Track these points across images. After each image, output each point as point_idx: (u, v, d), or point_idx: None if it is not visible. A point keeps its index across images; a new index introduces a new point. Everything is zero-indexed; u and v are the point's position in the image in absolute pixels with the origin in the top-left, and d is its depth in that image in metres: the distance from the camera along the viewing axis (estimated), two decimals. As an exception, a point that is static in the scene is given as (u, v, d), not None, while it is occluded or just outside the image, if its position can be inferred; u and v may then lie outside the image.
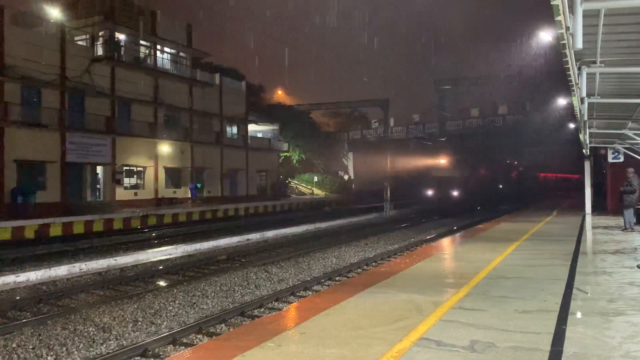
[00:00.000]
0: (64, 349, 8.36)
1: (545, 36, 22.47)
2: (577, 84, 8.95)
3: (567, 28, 5.88)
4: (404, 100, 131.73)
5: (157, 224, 28.66)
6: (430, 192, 48.68)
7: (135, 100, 34.78)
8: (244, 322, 9.83)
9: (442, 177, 48.15)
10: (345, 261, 16.84)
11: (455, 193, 46.99)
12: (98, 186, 32.90)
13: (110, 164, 32.74)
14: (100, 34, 33.56)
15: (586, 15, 5.74)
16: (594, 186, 26.15)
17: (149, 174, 36.41)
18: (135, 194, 35.21)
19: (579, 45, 5.61)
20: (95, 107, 31.86)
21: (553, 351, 5.31)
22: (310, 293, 12.19)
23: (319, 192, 57.43)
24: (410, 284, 8.93)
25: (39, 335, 8.90)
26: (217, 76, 42.69)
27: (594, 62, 8.21)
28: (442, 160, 50.51)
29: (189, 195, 38.59)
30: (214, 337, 8.70)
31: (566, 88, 11.24)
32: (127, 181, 35.29)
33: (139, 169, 35.91)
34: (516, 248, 13.19)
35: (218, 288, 12.62)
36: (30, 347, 8.34)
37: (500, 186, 52.02)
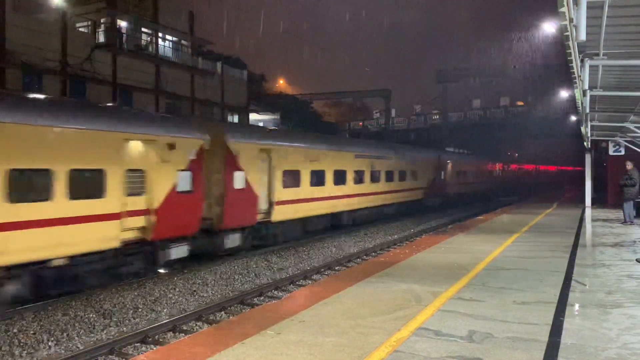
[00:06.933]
0: (65, 334, 8.42)
1: (548, 28, 22.32)
2: (579, 76, 8.91)
3: (571, 20, 5.85)
4: (406, 91, 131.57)
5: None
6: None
7: (136, 88, 34.69)
8: (243, 310, 9.90)
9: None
10: (345, 251, 16.88)
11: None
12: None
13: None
14: (102, 20, 33.42)
15: (590, 7, 5.71)
16: (595, 179, 26.10)
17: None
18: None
19: (583, 37, 5.60)
20: (96, 95, 31.77)
21: (551, 342, 5.35)
22: (309, 282, 12.25)
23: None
24: (409, 274, 8.97)
25: (40, 320, 8.95)
26: (218, 65, 42.53)
27: (597, 55, 8.17)
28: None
29: None
30: (214, 324, 8.76)
31: (569, 80, 11.21)
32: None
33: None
34: (515, 240, 13.23)
35: (218, 276, 12.66)
36: (32, 332, 8.40)
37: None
